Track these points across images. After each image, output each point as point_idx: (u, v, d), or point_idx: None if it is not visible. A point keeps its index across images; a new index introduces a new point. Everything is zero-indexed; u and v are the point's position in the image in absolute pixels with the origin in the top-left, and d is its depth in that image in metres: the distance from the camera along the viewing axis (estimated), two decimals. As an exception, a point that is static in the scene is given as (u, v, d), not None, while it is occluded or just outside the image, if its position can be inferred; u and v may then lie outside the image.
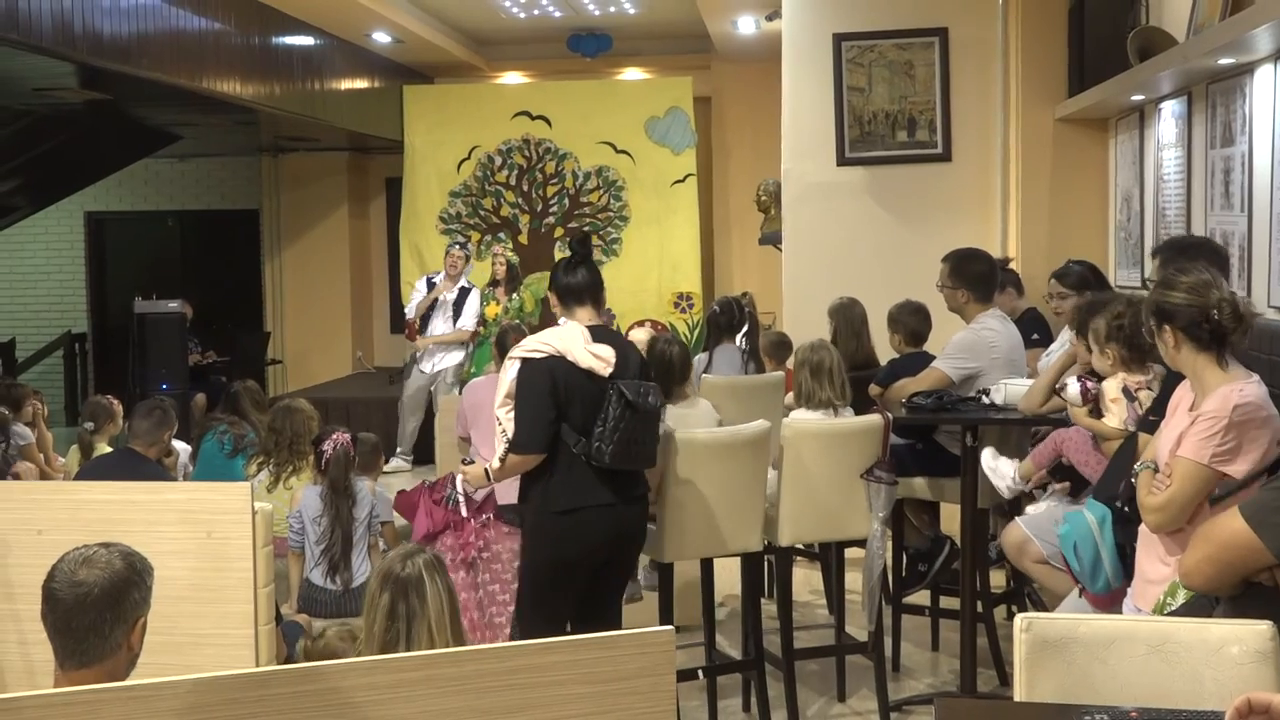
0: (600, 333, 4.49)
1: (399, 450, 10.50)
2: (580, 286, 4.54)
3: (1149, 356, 4.25)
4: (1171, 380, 3.75)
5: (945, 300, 5.66)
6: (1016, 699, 2.58)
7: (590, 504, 4.33)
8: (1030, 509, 4.76)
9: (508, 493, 5.27)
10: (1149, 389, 4.22)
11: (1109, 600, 3.77)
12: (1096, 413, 4.36)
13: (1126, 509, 3.74)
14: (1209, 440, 3.23)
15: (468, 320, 10.28)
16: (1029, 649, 2.58)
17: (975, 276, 5.54)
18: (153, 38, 7.89)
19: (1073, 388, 4.45)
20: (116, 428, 7.22)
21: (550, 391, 4.30)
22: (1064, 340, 5.29)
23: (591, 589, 4.47)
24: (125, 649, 2.74)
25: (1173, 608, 2.98)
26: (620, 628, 4.26)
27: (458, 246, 10.49)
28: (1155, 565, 3.40)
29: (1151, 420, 3.93)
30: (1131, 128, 6.92)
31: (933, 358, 5.58)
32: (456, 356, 10.35)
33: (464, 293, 10.33)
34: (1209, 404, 3.27)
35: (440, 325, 10.31)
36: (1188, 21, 5.58)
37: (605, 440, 4.27)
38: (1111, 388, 4.31)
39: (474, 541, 5.75)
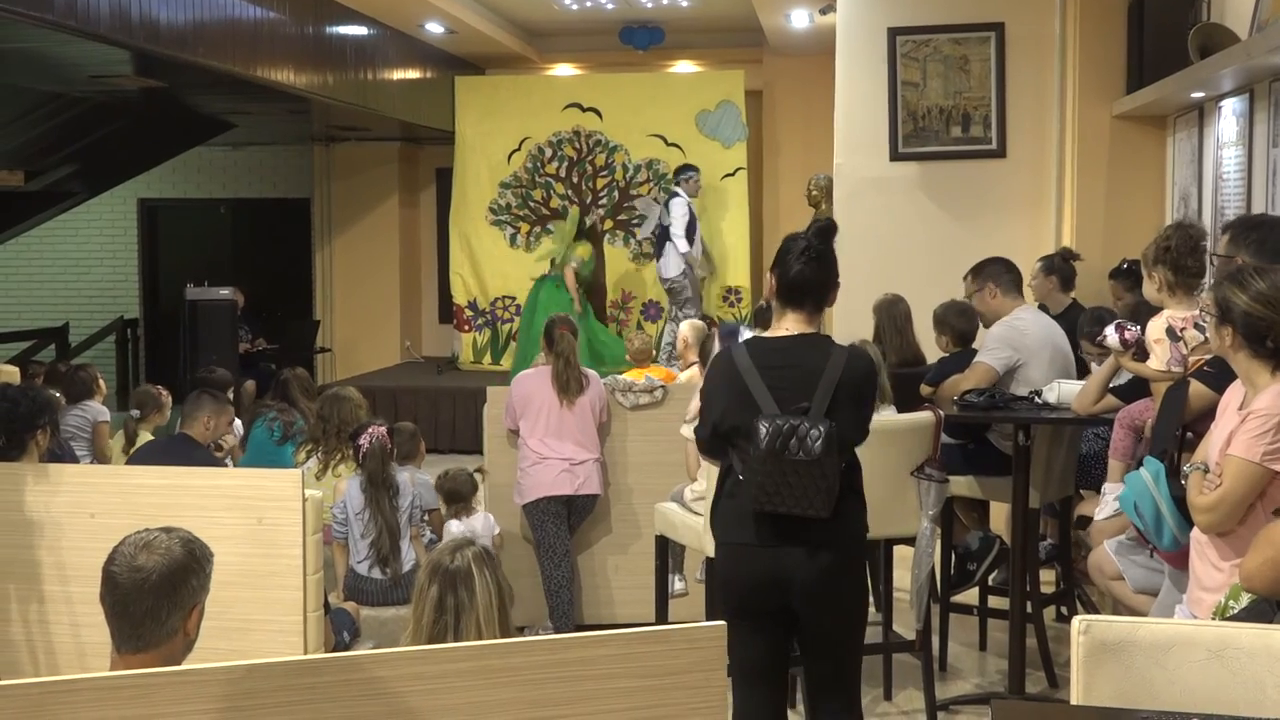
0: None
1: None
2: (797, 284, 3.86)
3: (1197, 282, 4.15)
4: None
5: (977, 306, 5.70)
6: (1073, 702, 2.54)
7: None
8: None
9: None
10: (1197, 327, 4.06)
11: (1181, 557, 3.59)
12: (1141, 356, 4.22)
13: (1177, 459, 3.68)
14: (1260, 438, 3.19)
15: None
16: (1086, 652, 2.54)
17: (997, 270, 5.66)
18: (209, 26, 7.94)
19: (1111, 336, 4.33)
20: (163, 419, 7.28)
21: None
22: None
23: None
24: (181, 634, 2.74)
25: (1234, 611, 2.93)
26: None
27: None
28: (1209, 571, 3.35)
29: (1208, 372, 3.85)
30: (1190, 125, 6.83)
31: (978, 355, 5.55)
32: None
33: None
34: (1260, 402, 3.23)
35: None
36: (1250, 18, 5.50)
37: None
38: (1155, 328, 4.17)
39: None
